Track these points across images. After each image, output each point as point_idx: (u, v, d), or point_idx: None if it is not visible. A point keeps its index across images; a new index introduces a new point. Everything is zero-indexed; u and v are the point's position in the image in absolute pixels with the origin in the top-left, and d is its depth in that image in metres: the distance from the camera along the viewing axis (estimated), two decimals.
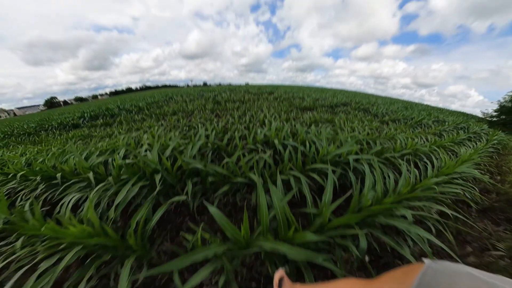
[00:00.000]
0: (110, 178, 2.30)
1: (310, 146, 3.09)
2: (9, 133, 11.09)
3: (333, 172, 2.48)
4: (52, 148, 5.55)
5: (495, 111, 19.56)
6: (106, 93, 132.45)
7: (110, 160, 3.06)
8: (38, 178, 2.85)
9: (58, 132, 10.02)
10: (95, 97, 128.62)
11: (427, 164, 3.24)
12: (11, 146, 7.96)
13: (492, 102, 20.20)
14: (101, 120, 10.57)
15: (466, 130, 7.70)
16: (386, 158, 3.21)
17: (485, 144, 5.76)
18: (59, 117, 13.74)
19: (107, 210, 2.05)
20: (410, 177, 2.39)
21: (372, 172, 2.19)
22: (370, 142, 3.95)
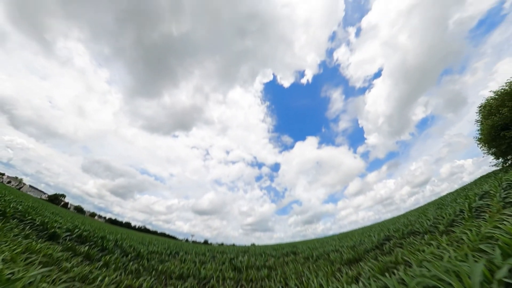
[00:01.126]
0: None
1: None
2: None
3: None
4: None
5: (496, 158, 21.15)
6: (104, 217, 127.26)
7: None
8: None
9: (30, 231, 7.34)
10: (92, 215, 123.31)
11: None
12: None
13: (483, 156, 22.36)
14: (87, 248, 7.70)
15: None
16: None
17: None
18: (48, 216, 11.29)
19: None
20: None
21: None
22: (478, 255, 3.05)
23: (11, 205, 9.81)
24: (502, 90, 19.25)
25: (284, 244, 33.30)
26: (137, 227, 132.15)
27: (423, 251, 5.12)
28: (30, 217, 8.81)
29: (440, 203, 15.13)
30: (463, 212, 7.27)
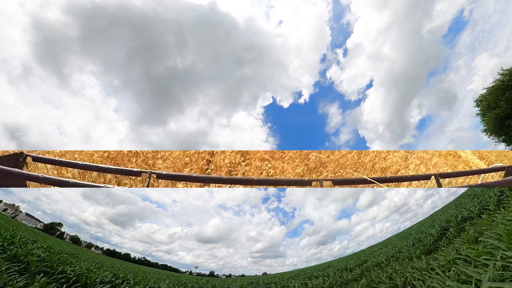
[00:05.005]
0: None
1: None
2: None
3: None
4: None
5: (508, 145, 22.64)
6: (101, 248, 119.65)
7: None
8: None
9: None
10: (89, 246, 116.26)
11: None
12: None
13: (495, 145, 24.17)
14: None
15: None
16: None
17: None
18: (74, 263, 9.15)
19: None
20: None
21: None
22: None
23: (32, 251, 7.76)
24: (493, 86, 21.20)
25: (312, 267, 30.51)
26: (136, 258, 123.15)
27: (494, 221, 5.05)
28: (59, 269, 6.75)
29: (471, 194, 14.72)
30: (504, 192, 7.62)
